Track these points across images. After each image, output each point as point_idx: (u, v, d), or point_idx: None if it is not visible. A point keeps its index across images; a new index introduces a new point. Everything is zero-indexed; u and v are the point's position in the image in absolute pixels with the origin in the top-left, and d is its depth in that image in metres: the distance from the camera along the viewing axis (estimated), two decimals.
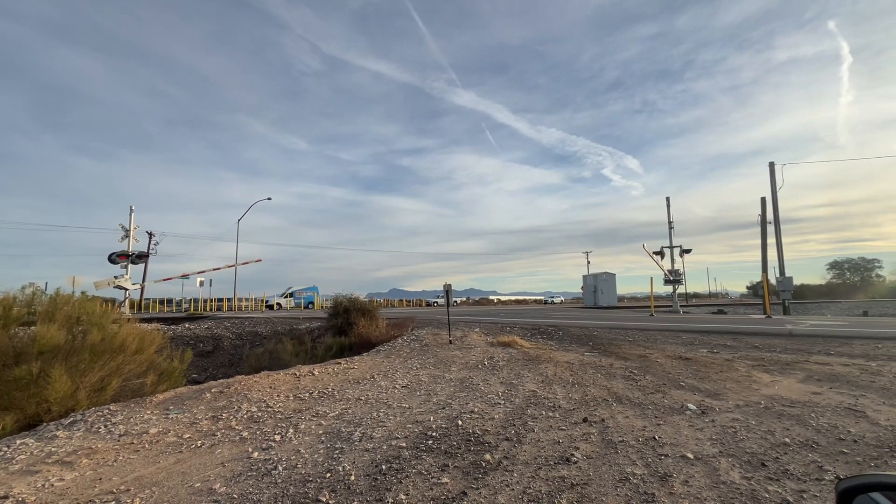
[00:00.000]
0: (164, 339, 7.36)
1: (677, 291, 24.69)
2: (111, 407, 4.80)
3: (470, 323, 12.57)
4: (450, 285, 9.55)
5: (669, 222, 25.11)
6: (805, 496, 2.36)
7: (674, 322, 12.61)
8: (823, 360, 6.15)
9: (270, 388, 5.54)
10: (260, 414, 4.41)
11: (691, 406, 4.12)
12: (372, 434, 3.67)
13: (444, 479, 2.73)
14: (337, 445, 3.43)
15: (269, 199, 41.53)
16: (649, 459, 2.93)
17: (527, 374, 5.91)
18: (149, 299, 35.26)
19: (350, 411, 4.43)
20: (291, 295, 37.87)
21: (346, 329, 12.43)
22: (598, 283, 36.23)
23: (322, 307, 35.55)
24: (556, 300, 55.30)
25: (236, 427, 4.00)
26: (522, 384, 5.33)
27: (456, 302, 58.14)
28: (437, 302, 55.87)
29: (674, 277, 23.98)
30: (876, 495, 0.60)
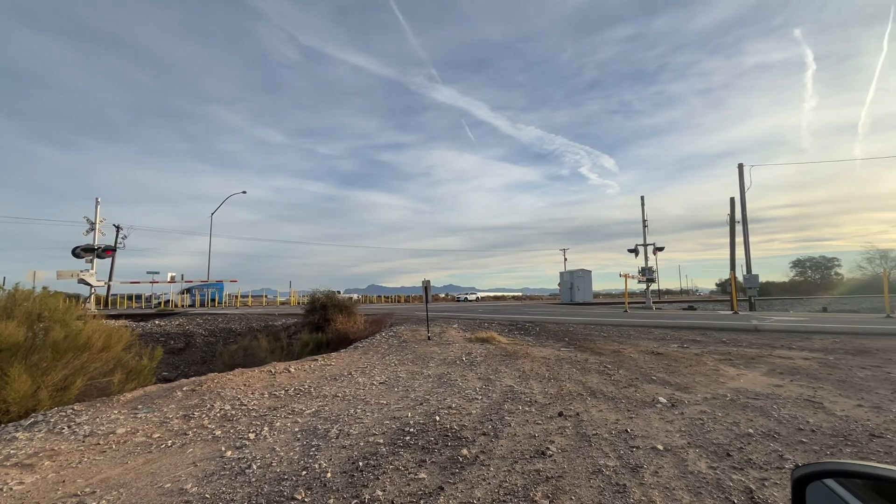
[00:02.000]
0: (133, 337, 7.12)
1: (650, 288, 25.36)
2: (75, 407, 4.62)
3: (448, 319, 12.60)
4: (428, 282, 9.55)
5: (644, 221, 25.73)
6: (766, 484, 2.48)
7: (647, 318, 12.96)
8: (786, 354, 6.44)
9: (245, 385, 5.43)
10: (234, 412, 4.33)
11: (662, 399, 4.25)
12: (349, 431, 3.65)
13: (422, 475, 2.74)
14: (313, 443, 3.40)
15: (244, 192, 40.55)
16: (621, 451, 3.02)
17: (504, 369, 5.98)
18: (116, 295, 33.98)
19: (327, 408, 4.40)
20: (188, 291, 34.21)
21: (323, 325, 12.29)
22: (574, 280, 36.86)
23: (223, 304, 33.77)
24: (472, 297, 54.96)
25: (209, 426, 3.91)
26: (500, 379, 5.39)
27: (472, 298, 57.80)
28: (467, 297, 55.75)
29: (647, 275, 24.61)
30: (829, 482, 0.64)
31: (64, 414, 4.35)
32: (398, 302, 52.08)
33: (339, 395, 4.93)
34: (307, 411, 4.30)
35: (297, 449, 3.28)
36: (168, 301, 32.98)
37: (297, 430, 3.74)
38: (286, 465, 2.96)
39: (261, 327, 15.04)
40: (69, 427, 3.97)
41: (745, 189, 22.42)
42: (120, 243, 32.72)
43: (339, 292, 14.55)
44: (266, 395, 4.97)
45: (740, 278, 21.55)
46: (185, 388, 5.21)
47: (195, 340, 14.96)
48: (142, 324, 16.67)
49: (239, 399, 4.80)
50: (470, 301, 50.96)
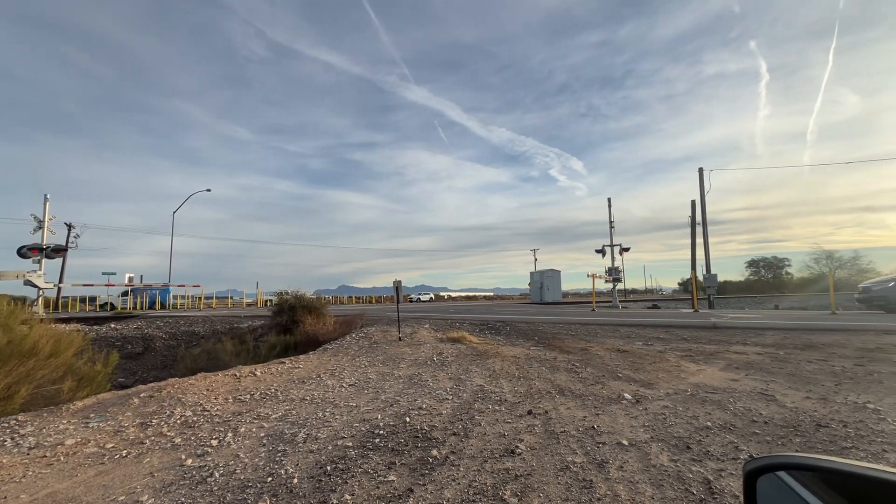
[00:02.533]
0: (86, 341, 6.74)
1: (617, 288, 26.11)
2: (19, 417, 4.33)
3: (420, 319, 12.56)
4: (399, 282, 9.49)
5: (610, 222, 26.48)
6: (723, 474, 2.59)
7: (613, 317, 13.33)
8: (741, 349, 6.76)
9: (207, 390, 5.24)
10: (195, 418, 4.16)
11: (627, 396, 4.38)
12: (317, 435, 3.57)
13: (391, 477, 2.72)
14: (280, 448, 3.31)
15: (209, 190, 39.15)
16: (588, 448, 3.08)
17: (475, 369, 6.01)
18: (68, 298, 32.03)
19: (294, 412, 4.29)
20: (130, 293, 31.00)
21: (291, 327, 12.00)
22: (544, 280, 37.48)
23: (169, 307, 31.67)
24: (424, 298, 55.16)
25: (168, 433, 3.75)
26: (470, 379, 5.41)
27: (431, 298, 57.86)
28: (420, 297, 55.37)
29: (614, 275, 25.32)
30: (781, 474, 0.66)
31: (6, 425, 4.07)
32: (370, 303, 51.52)
33: (308, 398, 4.82)
34: (274, 416, 4.19)
35: (263, 455, 3.18)
36: (106, 304, 30.59)
37: (262, 435, 3.64)
38: (251, 472, 2.87)
39: (225, 330, 14.54)
40: (12, 439, 3.71)
41: (705, 192, 23.42)
42: (72, 242, 30.97)
43: (308, 293, 14.21)
44: (230, 400, 4.81)
45: (700, 278, 22.48)
46: (142, 395, 4.97)
47: (155, 344, 14.32)
48: (96, 327, 15.81)
49: (201, 405, 4.62)
50: (423, 301, 51.18)
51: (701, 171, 23.53)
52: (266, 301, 35.81)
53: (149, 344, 14.35)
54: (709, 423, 3.47)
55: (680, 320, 11.29)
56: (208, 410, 4.41)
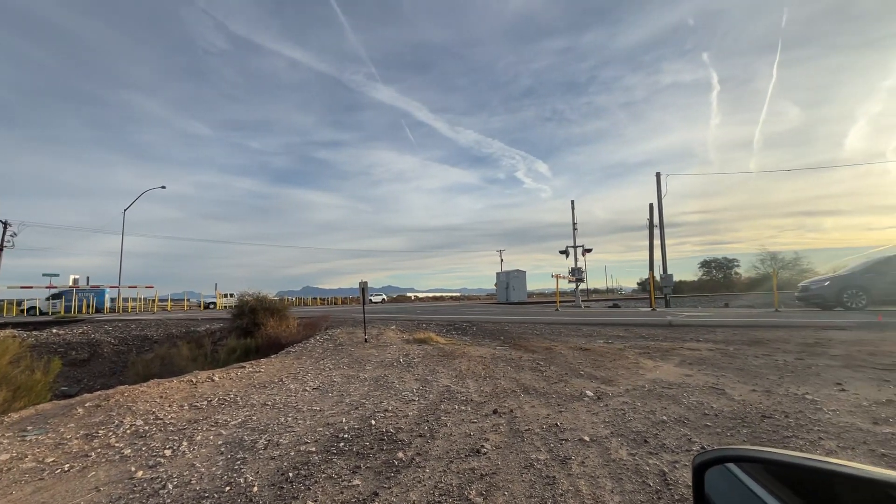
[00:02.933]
0: (23, 348, 6.26)
1: (580, 288, 26.84)
2: None
3: (386, 320, 12.45)
4: (366, 283, 9.37)
5: (574, 224, 27.18)
6: (677, 465, 2.71)
7: (576, 316, 13.69)
8: (694, 346, 7.10)
9: (161, 397, 4.98)
10: (147, 428, 3.94)
11: (589, 393, 4.50)
12: (279, 441, 3.47)
13: (356, 482, 2.67)
14: (239, 455, 3.19)
15: (164, 187, 37.22)
16: (552, 445, 3.15)
17: (441, 369, 6.02)
18: (3, 301, 29.62)
19: (255, 418, 4.15)
20: (59, 297, 28.07)
21: (252, 330, 11.61)
22: (510, 280, 38.01)
23: (107, 310, 29.22)
24: (376, 299, 54.65)
25: (116, 444, 3.53)
26: (437, 380, 5.41)
27: (383, 299, 57.21)
28: (372, 299, 54.13)
29: (577, 276, 26.01)
30: (730, 465, 0.70)
31: None
32: (335, 304, 50.60)
33: (269, 403, 4.68)
34: (232, 422, 4.03)
35: (221, 463, 3.06)
36: (33, 308, 27.82)
37: (220, 443, 3.49)
38: (207, 482, 2.75)
39: (181, 333, 13.90)
40: None
41: (662, 196, 24.44)
42: (8, 241, 28.73)
43: (270, 294, 13.78)
44: (186, 408, 4.60)
45: (658, 278, 23.45)
46: (87, 404, 4.67)
47: (102, 350, 13.48)
48: (35, 333, 14.73)
49: (153, 413, 4.38)
50: (374, 303, 50.90)
51: (658, 175, 24.54)
52: (226, 303, 34.52)
53: (96, 350, 13.50)
54: (664, 418, 3.62)
55: (638, 319, 11.73)
56: (161, 419, 4.20)
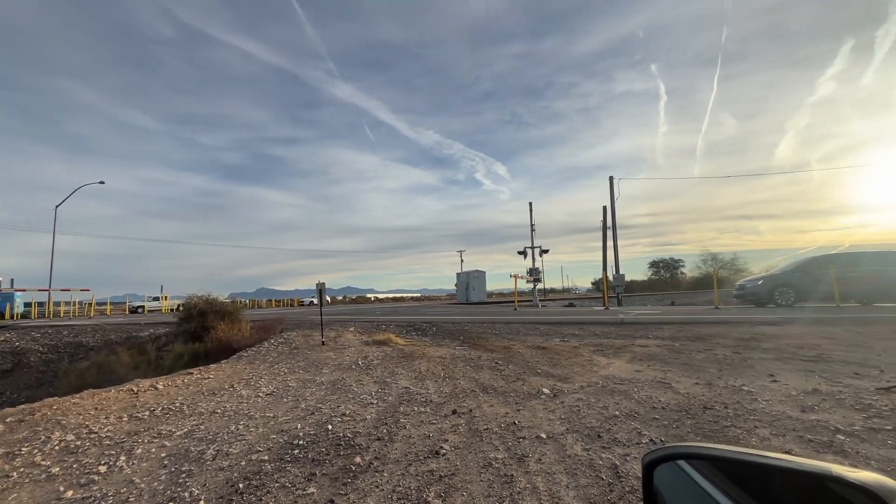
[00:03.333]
0: None
1: (537, 287, 27.49)
2: None
3: (345, 322, 12.20)
4: (323, 284, 9.14)
5: (531, 225, 27.82)
6: (628, 458, 2.81)
7: (534, 315, 14.00)
8: (644, 342, 7.44)
9: (96, 409, 4.62)
10: (79, 443, 3.64)
11: (545, 390, 4.61)
12: (228, 450, 3.30)
13: (311, 489, 2.59)
14: (184, 468, 3.01)
15: (102, 182, 34.61)
16: (510, 443, 3.19)
17: (401, 371, 5.96)
18: None
19: (203, 427, 3.94)
20: None
21: (201, 334, 11.03)
22: (470, 281, 38.37)
23: (15, 317, 27.02)
24: (315, 300, 53.78)
25: (43, 462, 3.24)
26: (396, 382, 5.36)
27: (328, 301, 55.29)
28: (312, 301, 52.47)
29: (534, 276, 26.62)
30: (681, 463, 0.72)
31: None
32: (291, 306, 49.08)
33: (219, 411, 4.45)
34: (177, 433, 3.80)
35: (163, 477, 2.87)
36: None
37: (163, 455, 3.28)
38: (147, 499, 2.57)
39: (121, 339, 12.98)
40: None
41: (615, 199, 25.50)
42: None
43: (222, 296, 13.14)
44: (125, 419, 4.29)
45: (611, 278, 24.43)
46: (9, 420, 4.25)
47: (28, 359, 12.36)
48: None
49: (87, 426, 4.06)
50: (315, 304, 49.37)
51: (611, 179, 25.58)
52: (173, 306, 32.60)
53: (20, 359, 12.35)
54: (617, 413, 3.76)
55: (593, 317, 12.16)
56: (96, 432, 3.89)
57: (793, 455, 2.68)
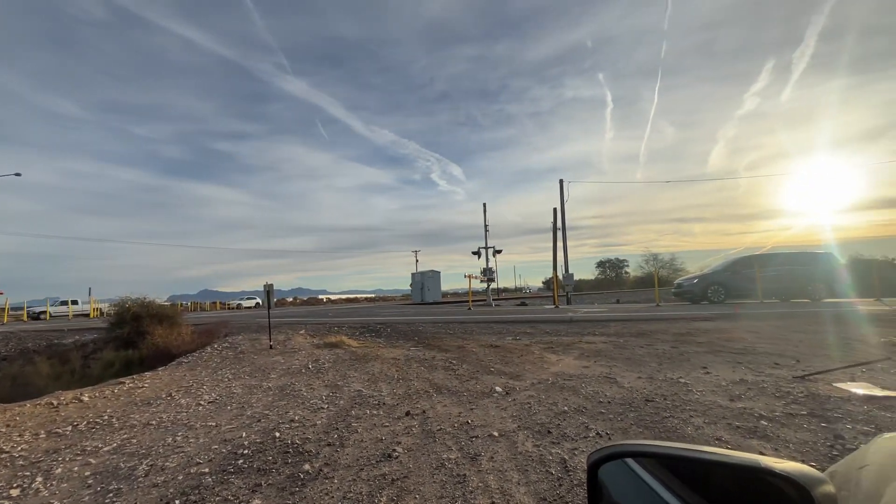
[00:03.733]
0: None
1: (491, 287, 27.95)
2: None
3: (295, 325, 11.78)
4: (271, 285, 8.78)
5: (485, 226, 28.23)
6: (576, 452, 2.91)
7: (487, 315, 14.21)
8: (591, 339, 7.75)
9: (8, 426, 4.17)
10: None
11: (498, 389, 4.67)
12: (164, 464, 3.08)
13: (256, 501, 2.47)
14: (112, 486, 2.77)
15: (19, 174, 31.33)
16: (463, 443, 3.20)
17: (353, 374, 5.84)
18: None
19: (135, 441, 3.65)
20: None
21: (135, 340, 10.24)
22: (425, 281, 38.37)
23: None
24: (249, 303, 47.80)
25: None
26: (348, 385, 5.24)
27: (251, 304, 48.54)
28: (240, 304, 47.26)
29: (488, 276, 27.04)
30: (629, 461, 0.74)
31: None
32: (237, 308, 46.77)
33: (154, 422, 4.15)
34: (105, 448, 3.50)
35: (87, 498, 2.63)
36: None
37: (88, 474, 3.01)
38: None
39: (41, 348, 11.80)
40: None
41: (565, 201, 26.42)
42: None
43: (160, 299, 12.28)
44: (43, 436, 3.89)
45: (561, 277, 25.28)
46: None
47: None
48: None
49: None
50: (246, 307, 45.56)
51: (561, 182, 26.47)
52: (105, 310, 30.07)
53: None
54: (566, 408, 3.88)
55: (543, 316, 12.53)
56: (7, 452, 3.50)
57: (724, 445, 2.88)
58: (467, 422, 3.66)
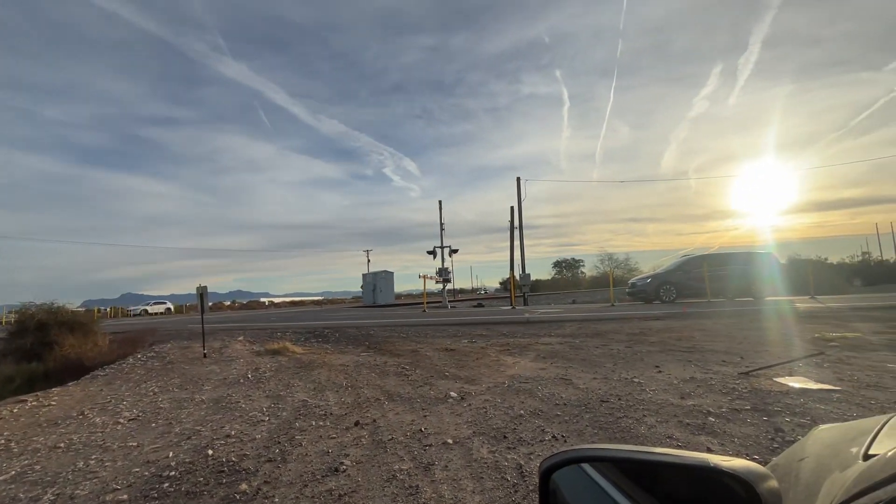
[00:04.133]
0: None
1: (446, 288, 28.10)
2: None
3: (233, 330, 11.26)
4: (205, 287, 8.33)
5: (441, 224, 28.35)
6: (532, 457, 2.97)
7: (443, 317, 14.26)
8: (547, 340, 7.98)
9: None
10: None
11: (453, 394, 4.69)
12: (74, 493, 2.83)
13: None
14: None
15: None
16: (416, 452, 3.18)
17: (298, 382, 5.65)
18: None
19: (39, 467, 3.33)
20: None
21: (40, 351, 9.35)
22: (377, 282, 37.95)
23: None
24: (154, 309, 44.89)
25: None
26: (292, 395, 5.07)
27: (169, 309, 46.82)
28: (145, 310, 43.49)
29: (444, 276, 27.17)
30: (586, 466, 0.75)
31: None
32: (166, 314, 44.06)
33: (62, 444, 3.81)
34: (0, 478, 3.16)
35: None
36: None
37: None
38: None
39: None
40: None
41: (522, 200, 27.03)
42: None
43: (73, 305, 11.29)
44: None
45: (518, 278, 25.85)
46: None
47: None
48: None
49: None
50: (151, 314, 42.68)
51: (519, 180, 27.05)
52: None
53: None
54: (522, 412, 3.96)
55: (500, 317, 12.75)
56: None
57: (675, 443, 3.04)
58: (420, 430, 3.64)
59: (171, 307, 48.24)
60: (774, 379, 4.57)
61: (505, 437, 3.37)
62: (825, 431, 0.89)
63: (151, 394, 5.51)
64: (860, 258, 39.35)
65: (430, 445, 3.28)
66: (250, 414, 4.42)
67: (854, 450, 0.66)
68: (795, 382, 4.40)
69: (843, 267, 34.52)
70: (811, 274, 16.29)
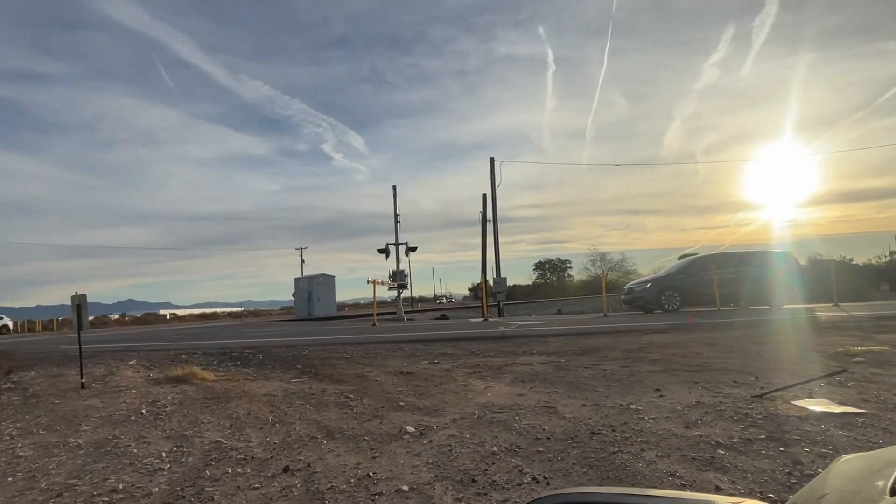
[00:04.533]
0: None
1: (402, 296, 28.08)
2: None
3: (123, 352, 10.82)
4: (83, 296, 7.95)
5: (396, 215, 28.28)
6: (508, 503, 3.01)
7: (398, 332, 14.24)
8: (527, 360, 8.11)
9: None
10: None
11: (410, 428, 4.69)
12: None
13: None
14: None
15: None
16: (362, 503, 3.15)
17: (208, 418, 5.50)
18: None
19: None
20: None
21: None
22: (313, 288, 37.45)
23: None
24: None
25: None
26: (201, 434, 4.92)
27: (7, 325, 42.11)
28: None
29: (399, 280, 27.13)
30: None
31: None
32: (33, 331, 41.86)
33: None
34: None
35: None
36: None
37: None
38: None
39: None
40: None
41: (497, 185, 27.34)
42: None
43: None
44: None
45: (491, 282, 26.17)
46: None
47: None
48: None
49: None
50: None
51: (493, 160, 27.36)
52: None
53: None
54: (495, 449, 4.00)
55: (469, 331, 12.87)
56: None
57: (679, 481, 3.15)
58: (368, 475, 3.61)
59: (10, 324, 42.88)
60: (793, 402, 4.84)
61: (474, 480, 3.40)
62: (848, 463, 0.94)
63: (7, 438, 5.21)
64: (888, 258, 42.05)
65: (381, 494, 3.26)
66: (145, 461, 4.25)
67: (880, 483, 0.70)
68: (816, 405, 4.67)
69: (869, 269, 36.99)
70: (835, 278, 17.32)
